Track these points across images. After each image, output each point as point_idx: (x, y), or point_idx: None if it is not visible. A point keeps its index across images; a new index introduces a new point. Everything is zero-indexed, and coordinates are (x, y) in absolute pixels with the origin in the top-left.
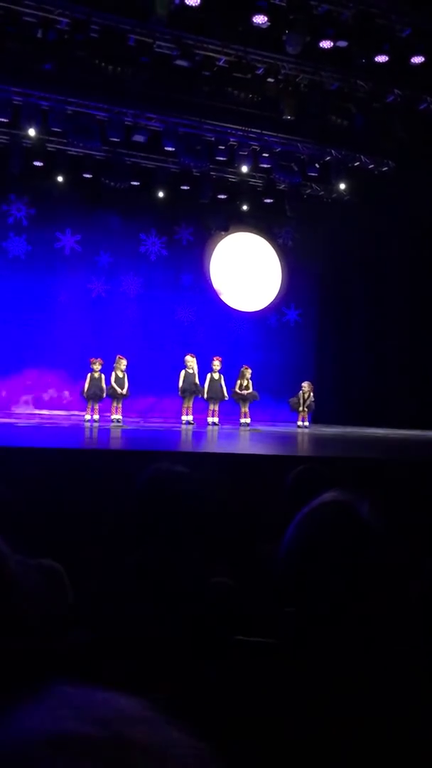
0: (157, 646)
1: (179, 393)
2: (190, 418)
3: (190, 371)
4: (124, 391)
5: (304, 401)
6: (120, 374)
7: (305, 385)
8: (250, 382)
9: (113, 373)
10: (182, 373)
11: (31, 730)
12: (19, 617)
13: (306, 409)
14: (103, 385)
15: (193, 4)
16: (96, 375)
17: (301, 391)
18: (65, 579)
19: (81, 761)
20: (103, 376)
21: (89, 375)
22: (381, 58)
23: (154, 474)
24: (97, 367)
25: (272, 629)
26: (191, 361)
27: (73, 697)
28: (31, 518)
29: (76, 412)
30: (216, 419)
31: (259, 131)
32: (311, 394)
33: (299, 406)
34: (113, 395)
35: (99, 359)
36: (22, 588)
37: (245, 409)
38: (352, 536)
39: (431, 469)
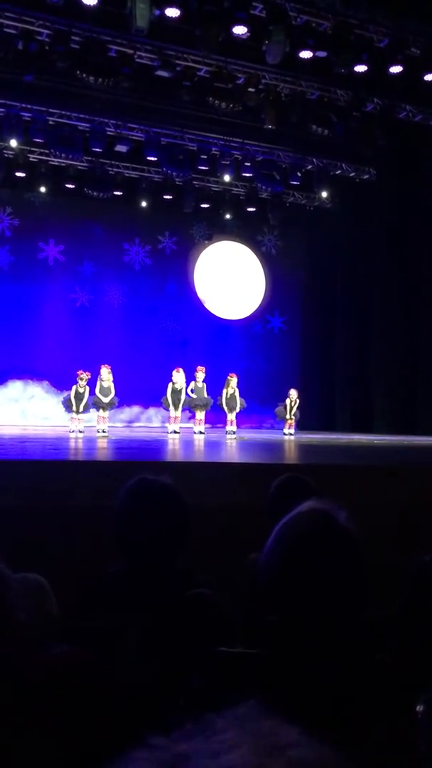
0: (140, 657)
1: (163, 405)
2: (176, 427)
3: (178, 387)
4: (108, 400)
5: (291, 409)
6: (104, 384)
7: (293, 392)
8: (237, 390)
9: (97, 383)
10: (169, 386)
11: None
12: (4, 633)
13: (293, 417)
14: (87, 398)
15: (173, 16)
16: (81, 389)
17: (288, 399)
18: (50, 593)
19: None
20: (88, 388)
21: (74, 387)
22: (360, 68)
23: (136, 485)
24: (83, 380)
25: (256, 639)
26: (177, 376)
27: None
28: (14, 531)
29: (62, 424)
30: (202, 428)
31: (240, 140)
32: (297, 402)
33: (286, 414)
34: (98, 405)
35: (87, 373)
36: (8, 604)
37: (231, 417)
38: (330, 543)
39: (415, 475)
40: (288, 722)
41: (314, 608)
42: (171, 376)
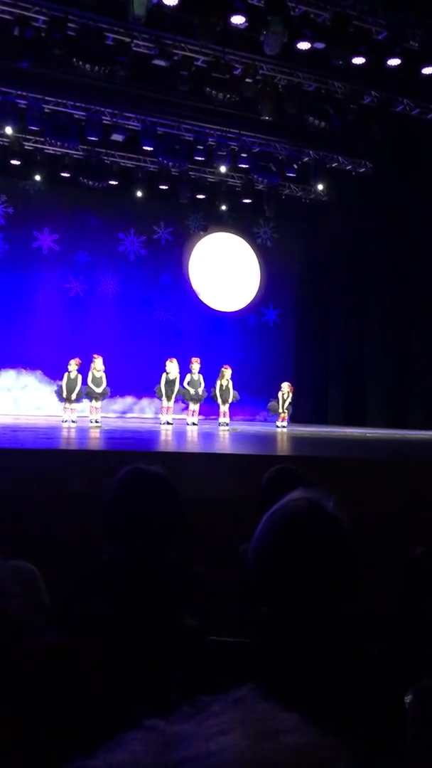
0: (132, 647)
1: (156, 394)
2: (169, 418)
3: (171, 377)
4: (101, 390)
5: (284, 402)
6: (97, 374)
7: (285, 386)
8: (230, 382)
9: (90, 373)
10: (162, 377)
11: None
12: None
13: (285, 411)
14: (79, 386)
15: (171, 4)
16: (72, 376)
17: (280, 393)
18: (40, 580)
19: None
20: (80, 376)
21: (66, 375)
22: (358, 60)
23: (129, 473)
24: (73, 367)
25: (248, 629)
26: (170, 366)
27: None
28: (5, 519)
29: (54, 414)
30: (195, 419)
31: (237, 131)
32: (290, 395)
33: (279, 409)
34: (90, 395)
35: (77, 359)
36: None
37: (224, 408)
38: (318, 531)
39: (406, 468)
40: (284, 708)
41: (303, 597)
42: (165, 366)
